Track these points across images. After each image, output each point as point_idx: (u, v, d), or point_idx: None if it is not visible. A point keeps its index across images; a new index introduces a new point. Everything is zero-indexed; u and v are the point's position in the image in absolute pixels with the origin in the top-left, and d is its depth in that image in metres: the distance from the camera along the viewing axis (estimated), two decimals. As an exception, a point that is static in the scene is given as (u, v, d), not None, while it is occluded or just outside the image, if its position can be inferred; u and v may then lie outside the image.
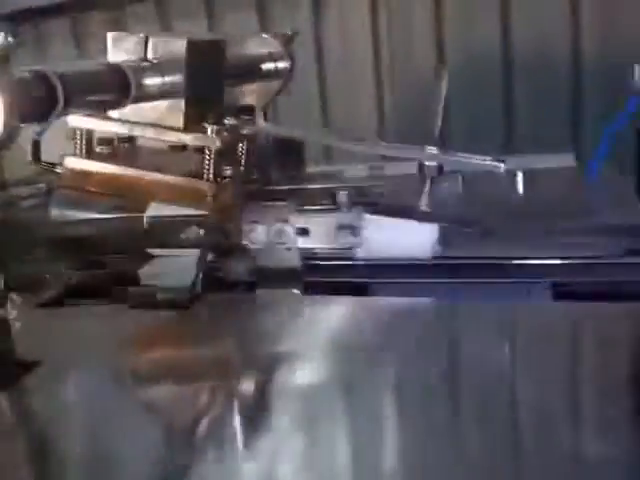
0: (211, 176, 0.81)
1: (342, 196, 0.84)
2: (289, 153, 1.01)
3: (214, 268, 0.84)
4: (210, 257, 0.83)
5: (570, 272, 0.80)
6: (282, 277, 0.84)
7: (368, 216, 0.84)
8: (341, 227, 0.84)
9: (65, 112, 0.68)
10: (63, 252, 0.86)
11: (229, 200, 0.84)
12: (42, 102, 0.65)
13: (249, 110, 0.88)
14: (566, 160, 1.30)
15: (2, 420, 0.61)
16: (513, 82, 1.84)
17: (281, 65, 1.01)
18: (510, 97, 1.84)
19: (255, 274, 0.84)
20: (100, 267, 0.86)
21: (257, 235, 0.84)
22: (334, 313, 0.78)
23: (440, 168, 0.82)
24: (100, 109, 0.78)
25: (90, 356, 0.70)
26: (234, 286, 0.84)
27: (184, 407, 0.60)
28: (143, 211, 0.82)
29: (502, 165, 0.80)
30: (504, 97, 1.84)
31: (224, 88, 0.85)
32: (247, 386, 0.65)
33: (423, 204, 0.82)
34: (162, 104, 0.80)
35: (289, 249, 0.84)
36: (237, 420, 0.59)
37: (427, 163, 0.82)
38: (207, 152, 0.80)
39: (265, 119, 0.94)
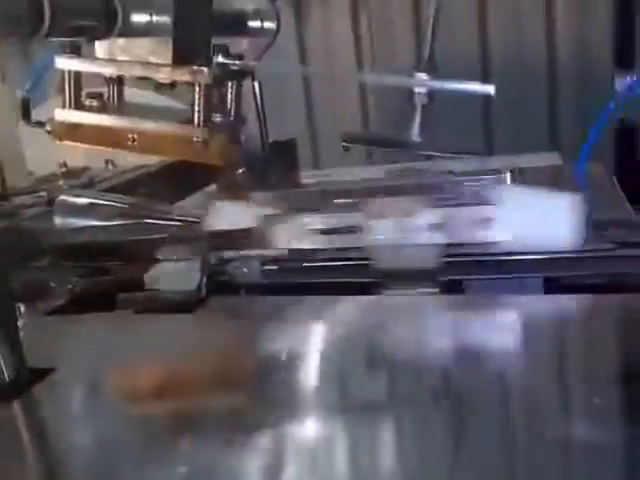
0: (201, 121, 0.79)
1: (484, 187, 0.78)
2: (283, 155, 1.01)
3: (219, 271, 0.85)
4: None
5: (561, 266, 0.80)
6: (414, 276, 0.77)
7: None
8: (479, 220, 0.76)
9: (50, 34, 0.66)
10: (67, 260, 0.86)
11: (222, 145, 0.81)
12: (28, 17, 0.62)
13: (238, 57, 0.86)
14: (552, 159, 1.33)
15: (12, 430, 0.61)
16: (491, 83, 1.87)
17: (268, 24, 0.99)
18: (488, 100, 1.87)
19: (381, 274, 0.78)
20: (105, 274, 0.86)
21: (383, 231, 0.77)
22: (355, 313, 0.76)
23: (431, 95, 0.80)
24: (85, 37, 0.76)
25: (100, 363, 0.71)
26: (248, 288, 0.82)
27: (194, 413, 0.60)
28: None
29: (492, 89, 0.78)
30: (483, 99, 1.87)
31: (212, 30, 0.83)
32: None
33: (414, 134, 0.81)
34: (149, 43, 0.78)
35: (421, 246, 0.77)
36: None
37: (417, 90, 0.80)
38: (197, 92, 0.78)
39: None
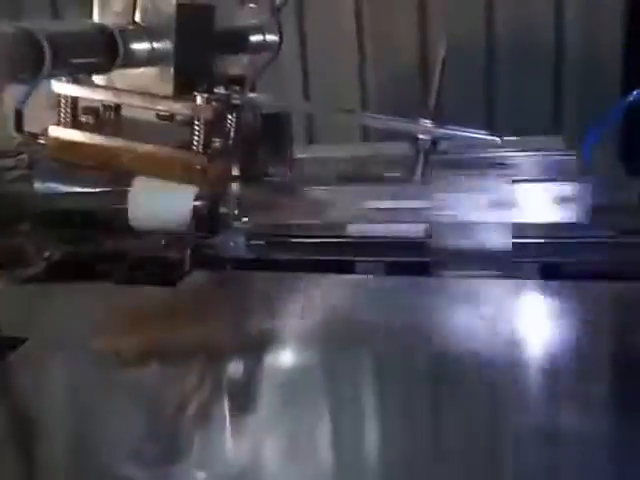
0: (201, 148, 0.78)
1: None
2: (277, 133, 0.99)
3: (203, 245, 0.82)
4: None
5: (560, 252, 0.79)
6: (490, 258, 0.77)
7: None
8: (563, 199, 0.77)
9: (51, 74, 0.65)
10: (47, 227, 0.83)
11: (221, 172, 0.81)
12: (29, 61, 0.62)
13: (239, 80, 0.85)
14: (555, 143, 1.30)
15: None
16: (495, 71, 1.84)
17: (270, 37, 0.98)
18: (492, 86, 1.84)
19: (456, 254, 0.78)
20: (85, 242, 0.84)
21: (467, 208, 0.78)
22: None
23: (434, 142, 0.80)
24: (87, 72, 0.75)
25: (75, 334, 0.68)
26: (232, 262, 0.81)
27: (174, 386, 0.59)
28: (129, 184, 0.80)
29: (499, 139, 0.79)
30: (486, 86, 1.84)
31: (214, 56, 0.83)
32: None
33: (417, 177, 0.80)
34: (150, 71, 0.77)
35: (500, 225, 0.78)
36: (228, 402, 0.57)
37: (421, 136, 0.79)
38: (197, 122, 0.78)
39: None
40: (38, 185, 0.83)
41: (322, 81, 1.78)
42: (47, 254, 0.81)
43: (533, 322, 0.69)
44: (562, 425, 0.51)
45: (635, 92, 1.12)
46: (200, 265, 0.81)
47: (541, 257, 0.78)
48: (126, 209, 0.79)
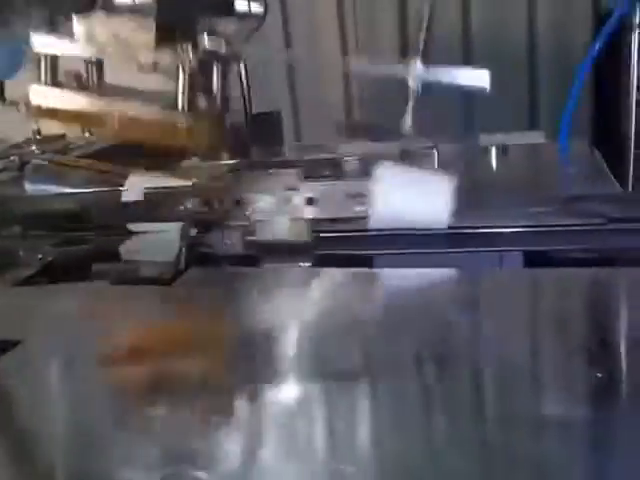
0: (185, 105, 0.76)
1: (350, 164, 0.80)
2: (268, 127, 0.99)
3: (199, 243, 0.82)
4: (194, 231, 0.81)
5: (546, 240, 0.80)
6: (291, 250, 0.78)
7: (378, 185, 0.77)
8: (351, 195, 0.79)
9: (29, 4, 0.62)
10: (38, 228, 0.82)
11: (207, 131, 0.78)
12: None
13: (225, 38, 0.82)
14: (536, 137, 1.32)
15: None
16: (472, 63, 1.86)
17: (255, 7, 0.96)
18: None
19: (257, 247, 0.80)
20: (78, 243, 0.83)
21: (262, 205, 0.79)
22: (343, 286, 0.75)
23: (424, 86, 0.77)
24: (65, 13, 0.73)
25: (72, 336, 0.67)
26: (229, 260, 0.81)
27: (170, 387, 0.58)
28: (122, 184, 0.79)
29: (487, 72, 0.77)
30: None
31: (198, 13, 0.80)
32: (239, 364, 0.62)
33: (407, 124, 0.79)
34: (130, 22, 0.75)
35: (297, 220, 0.79)
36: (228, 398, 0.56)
37: (411, 80, 0.77)
38: (181, 76, 0.75)
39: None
40: (29, 187, 0.82)
41: (305, 71, 1.78)
42: (40, 256, 0.80)
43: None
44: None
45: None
46: (196, 263, 0.80)
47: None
48: (119, 208, 0.79)
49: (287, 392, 0.56)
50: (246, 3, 0.93)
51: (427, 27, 0.77)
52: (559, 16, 1.82)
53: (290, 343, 0.64)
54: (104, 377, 0.61)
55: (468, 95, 1.87)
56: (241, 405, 0.54)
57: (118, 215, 0.80)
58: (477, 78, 0.78)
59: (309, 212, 0.79)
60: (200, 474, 0.45)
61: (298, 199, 0.78)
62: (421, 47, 0.77)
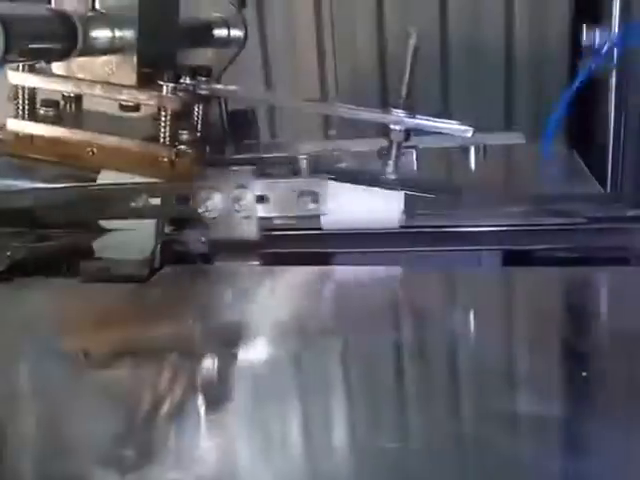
0: (168, 140, 0.76)
1: (302, 162, 0.80)
2: (243, 124, 0.97)
3: (172, 240, 0.80)
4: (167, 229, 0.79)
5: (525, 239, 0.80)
6: (240, 248, 0.79)
7: (331, 183, 0.79)
8: (302, 194, 0.79)
9: (5, 59, 0.62)
10: (6, 225, 0.80)
11: (188, 166, 0.79)
12: None
13: (206, 71, 0.83)
14: (516, 138, 1.32)
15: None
16: (449, 65, 1.86)
17: (234, 32, 0.97)
18: (446, 80, 1.86)
19: (212, 245, 0.79)
20: (47, 240, 0.81)
21: (214, 203, 0.78)
22: (294, 284, 0.75)
23: (407, 133, 0.79)
24: (43, 59, 0.72)
25: (41, 334, 0.65)
26: (191, 258, 0.80)
27: (143, 384, 0.57)
28: (93, 179, 0.77)
29: (471, 129, 0.79)
30: (442, 80, 1.86)
31: (178, 46, 0.80)
32: (209, 361, 0.61)
33: (390, 171, 0.80)
34: (112, 60, 0.74)
35: (248, 218, 0.79)
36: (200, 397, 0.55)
37: (393, 127, 0.79)
38: (163, 113, 0.76)
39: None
40: (-3, 182, 0.80)
41: (283, 77, 1.78)
42: (9, 253, 0.78)
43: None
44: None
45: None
46: (171, 261, 0.78)
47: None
48: (90, 204, 0.77)
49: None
50: (225, 30, 0.94)
51: (410, 73, 0.78)
52: (536, 14, 1.83)
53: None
54: (77, 373, 0.59)
55: (445, 93, 1.88)
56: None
57: (88, 211, 0.78)
58: (461, 131, 0.79)
59: (260, 210, 0.79)
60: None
61: (249, 197, 0.78)
62: (404, 94, 0.78)
